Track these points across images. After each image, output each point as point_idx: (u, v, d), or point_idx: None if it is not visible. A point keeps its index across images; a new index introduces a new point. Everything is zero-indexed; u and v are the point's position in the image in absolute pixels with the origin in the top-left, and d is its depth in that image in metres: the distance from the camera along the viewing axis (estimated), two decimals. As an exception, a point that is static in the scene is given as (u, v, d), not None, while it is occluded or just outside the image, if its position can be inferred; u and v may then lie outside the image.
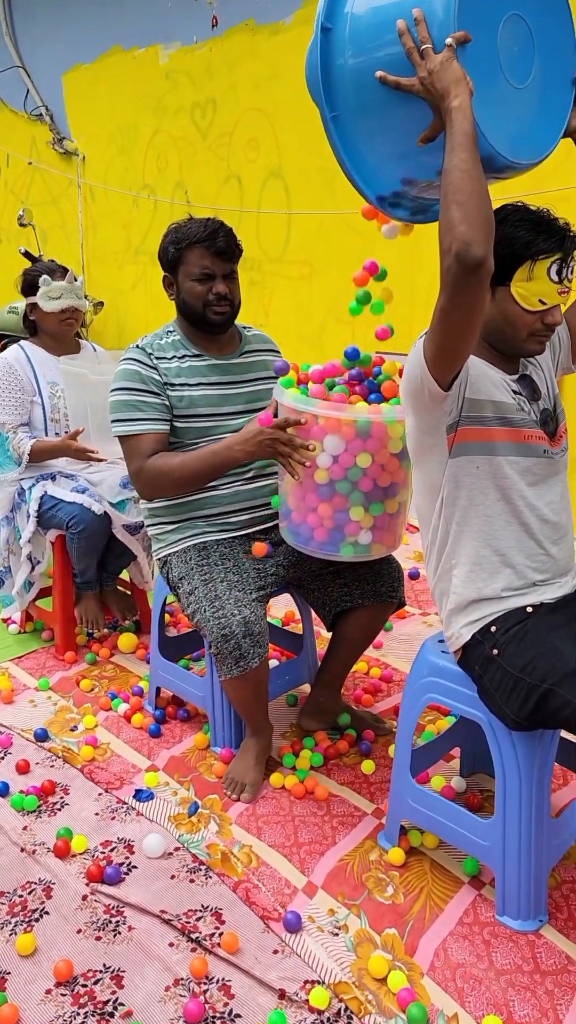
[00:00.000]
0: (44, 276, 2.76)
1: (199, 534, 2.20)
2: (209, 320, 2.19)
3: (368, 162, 1.57)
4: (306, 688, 2.57)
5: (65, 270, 2.85)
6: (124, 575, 3.09)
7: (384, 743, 2.34)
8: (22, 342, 2.89)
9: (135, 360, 2.16)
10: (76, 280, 2.83)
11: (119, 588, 3.08)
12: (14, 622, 3.11)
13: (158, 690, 2.55)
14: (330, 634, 2.35)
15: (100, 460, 2.70)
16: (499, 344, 1.69)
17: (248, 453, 1.99)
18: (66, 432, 2.83)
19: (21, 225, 5.17)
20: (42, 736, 2.41)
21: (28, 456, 2.74)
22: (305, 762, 2.24)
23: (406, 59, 1.38)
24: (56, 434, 2.84)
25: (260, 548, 2.11)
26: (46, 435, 2.83)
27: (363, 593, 2.23)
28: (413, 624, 3.12)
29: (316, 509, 1.97)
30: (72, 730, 2.47)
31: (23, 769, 2.26)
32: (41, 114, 5.93)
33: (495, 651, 1.64)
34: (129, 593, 3.11)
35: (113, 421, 2.13)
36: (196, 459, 2.06)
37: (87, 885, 1.84)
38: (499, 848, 1.68)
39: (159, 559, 2.28)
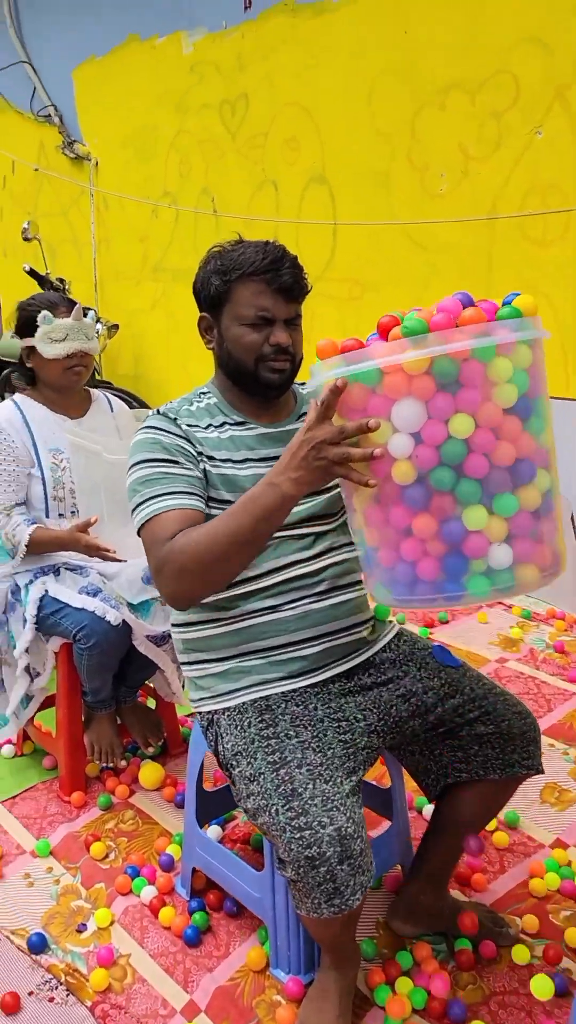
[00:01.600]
0: (44, 312, 2.11)
1: (259, 685, 1.55)
2: (263, 380, 1.55)
3: None
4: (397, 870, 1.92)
5: (71, 303, 2.20)
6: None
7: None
8: (16, 396, 2.23)
9: (155, 428, 1.54)
10: (85, 316, 2.18)
11: (140, 703, 2.42)
12: (10, 742, 2.46)
13: (194, 869, 1.89)
14: (431, 806, 1.69)
15: (117, 560, 2.05)
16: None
17: (297, 481, 1.31)
18: (72, 514, 2.17)
19: (26, 239, 4.55)
20: (38, 945, 1.75)
21: (25, 547, 2.09)
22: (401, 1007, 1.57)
23: None
24: (60, 515, 2.18)
25: None
26: (47, 517, 2.18)
27: (486, 760, 1.58)
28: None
29: (410, 530, 1.25)
30: (79, 931, 1.81)
31: (10, 1009, 1.61)
32: (49, 115, 5.31)
33: None
34: (152, 707, 2.45)
35: (133, 510, 1.49)
36: (229, 515, 1.38)
37: None
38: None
39: (199, 713, 1.63)
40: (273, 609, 1.55)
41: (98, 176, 5.17)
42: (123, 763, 2.32)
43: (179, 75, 4.50)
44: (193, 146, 4.54)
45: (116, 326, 4.88)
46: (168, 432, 1.54)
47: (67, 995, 1.66)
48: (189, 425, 1.56)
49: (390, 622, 1.76)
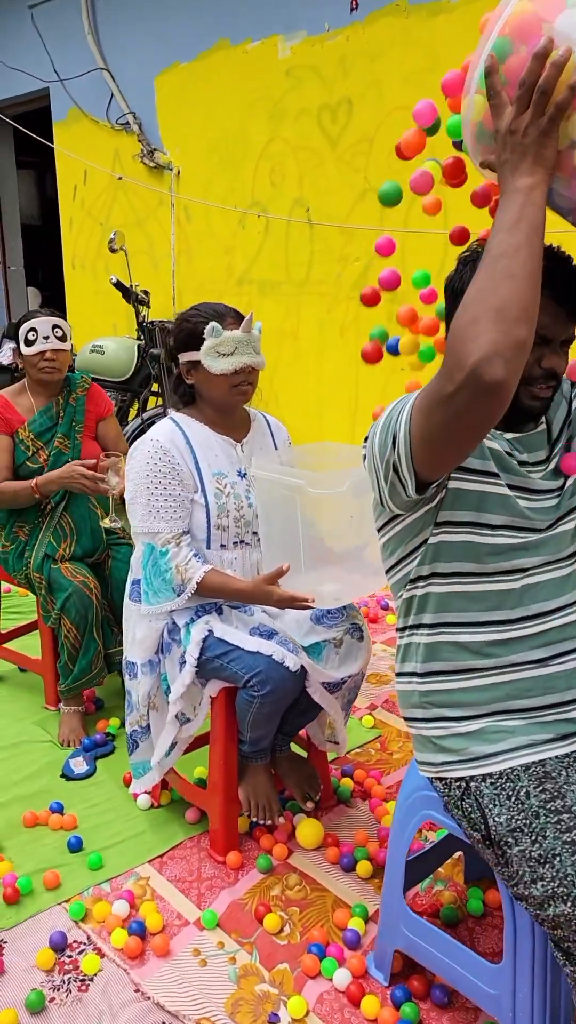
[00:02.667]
0: (212, 324, 1.92)
1: (526, 748, 1.34)
2: (523, 406, 1.35)
3: None
4: None
5: (239, 314, 2.01)
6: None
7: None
8: (174, 415, 2.04)
9: None
10: (254, 329, 1.98)
11: (295, 752, 2.21)
12: (146, 792, 2.25)
13: (395, 953, 1.68)
14: None
15: (309, 608, 1.84)
16: None
17: (523, 169, 1.10)
18: (235, 544, 1.97)
19: (112, 250, 4.38)
20: (231, 1040, 1.54)
21: (196, 586, 1.89)
22: None
23: None
24: (222, 546, 1.98)
25: None
26: (208, 548, 1.97)
27: None
28: None
29: None
30: (273, 1020, 1.60)
31: None
32: (128, 123, 5.16)
33: None
34: (306, 755, 2.24)
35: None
36: (488, 262, 1.11)
37: None
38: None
39: (441, 779, 1.42)
40: (541, 663, 1.35)
41: (179, 186, 5.01)
42: (280, 819, 2.11)
43: (273, 80, 4.33)
44: (287, 154, 4.37)
45: (200, 340, 4.70)
46: None
47: None
48: None
49: None
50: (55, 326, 2.60)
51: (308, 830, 2.07)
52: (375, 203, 4.02)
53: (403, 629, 1.46)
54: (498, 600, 1.36)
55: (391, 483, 1.29)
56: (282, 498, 1.79)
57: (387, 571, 1.48)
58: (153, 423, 4.45)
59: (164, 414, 4.37)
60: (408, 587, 1.42)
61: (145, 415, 4.39)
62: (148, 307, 4.55)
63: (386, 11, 3.79)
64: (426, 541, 1.37)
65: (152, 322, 4.47)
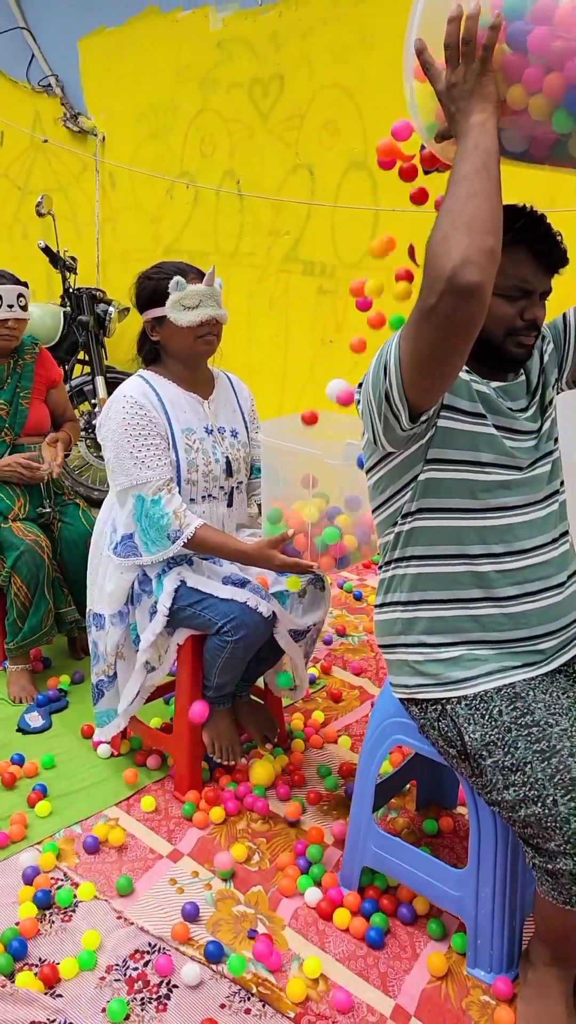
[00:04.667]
0: (176, 279, 1.98)
1: (498, 672, 1.49)
2: (509, 354, 1.49)
3: None
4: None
5: (200, 272, 2.08)
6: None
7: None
8: (142, 372, 2.10)
9: None
10: (215, 283, 2.06)
11: (253, 698, 2.32)
12: (104, 742, 2.32)
13: (365, 873, 1.82)
14: None
15: (312, 572, 1.93)
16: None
17: (464, 109, 1.24)
18: (204, 498, 2.05)
19: (39, 215, 4.32)
20: (215, 955, 1.65)
21: (190, 540, 1.96)
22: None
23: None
24: (191, 500, 2.06)
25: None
26: (180, 498, 2.05)
27: None
28: None
29: None
30: (251, 938, 1.71)
31: (211, 1024, 1.51)
32: (50, 85, 5.08)
33: None
34: (263, 703, 2.35)
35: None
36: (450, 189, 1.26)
37: None
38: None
39: (415, 700, 1.56)
40: (515, 600, 1.50)
41: (104, 152, 4.97)
42: (243, 759, 2.22)
43: (204, 51, 4.36)
44: (217, 125, 4.41)
45: (127, 309, 4.71)
46: None
47: (263, 1006, 1.57)
48: None
49: None
50: (20, 295, 2.60)
51: (261, 770, 2.18)
52: (306, 177, 4.12)
53: (389, 563, 1.59)
54: (482, 535, 1.49)
55: (384, 417, 1.39)
56: (290, 465, 1.87)
57: (375, 509, 1.59)
58: (81, 391, 4.44)
59: (92, 382, 4.37)
60: (398, 522, 1.54)
61: (73, 382, 4.37)
62: (75, 274, 4.52)
63: (319, -11, 3.88)
64: (416, 477, 1.49)
65: (79, 289, 4.44)
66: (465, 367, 1.50)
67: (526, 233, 1.42)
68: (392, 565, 1.58)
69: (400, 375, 1.32)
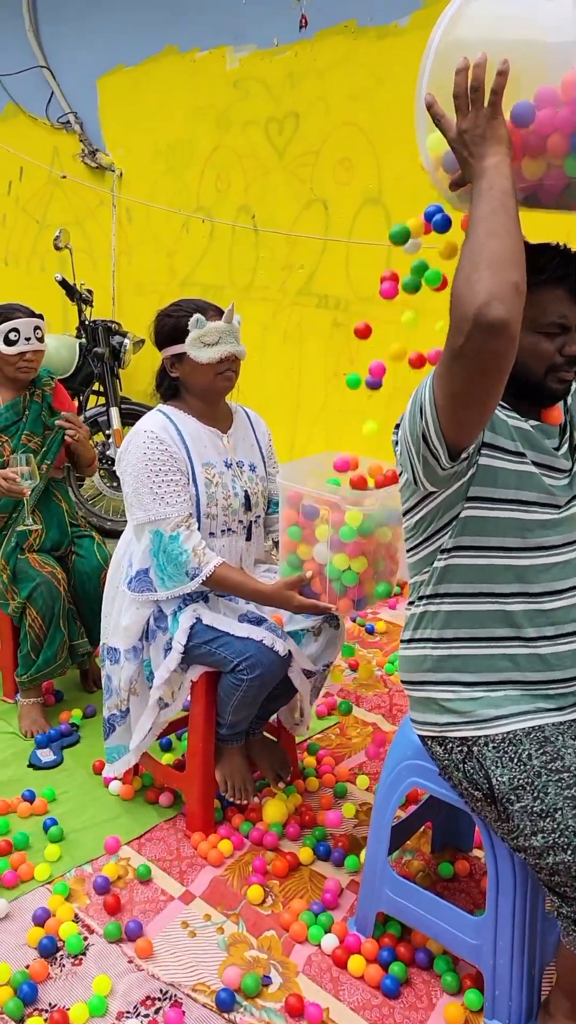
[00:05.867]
0: (196, 316, 2.00)
1: (530, 713, 1.47)
2: (548, 391, 1.48)
3: None
4: None
5: (219, 309, 2.10)
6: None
7: None
8: (162, 407, 2.11)
9: None
10: (233, 319, 2.07)
11: (266, 735, 2.30)
12: (115, 778, 2.30)
13: (379, 918, 1.79)
14: None
15: (330, 613, 1.92)
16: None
17: (479, 152, 1.27)
18: (223, 532, 2.05)
19: (57, 248, 4.38)
20: (228, 1003, 1.62)
21: (208, 578, 1.96)
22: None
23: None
24: (211, 534, 2.05)
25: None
26: (199, 535, 2.04)
27: None
28: None
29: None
30: (265, 985, 1.68)
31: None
32: (68, 122, 5.16)
33: None
34: (276, 740, 2.33)
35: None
36: (469, 232, 1.28)
37: None
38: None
39: (442, 738, 1.54)
40: (551, 641, 1.48)
41: (122, 188, 5.03)
42: (255, 799, 2.19)
43: (221, 90, 4.43)
44: (233, 162, 4.47)
45: (142, 341, 4.75)
46: None
47: (277, 1061, 1.53)
48: None
49: None
50: (36, 327, 2.63)
51: (273, 809, 2.15)
52: (320, 213, 4.16)
53: (421, 598, 1.56)
54: (520, 574, 1.48)
55: (423, 457, 1.39)
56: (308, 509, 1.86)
57: (411, 549, 1.58)
58: (95, 422, 4.46)
59: (106, 413, 4.39)
60: (435, 559, 1.52)
61: (87, 413, 4.40)
62: (91, 306, 4.57)
63: (335, 30, 3.94)
64: (457, 516, 1.48)
65: (95, 321, 4.48)
66: (503, 403, 1.50)
67: (562, 270, 1.42)
68: (424, 601, 1.56)
69: (436, 416, 1.33)
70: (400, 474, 1.53)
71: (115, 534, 2.20)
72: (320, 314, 4.23)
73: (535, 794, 1.37)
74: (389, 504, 1.83)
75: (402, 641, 1.64)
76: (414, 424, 1.38)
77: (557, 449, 1.53)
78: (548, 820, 1.34)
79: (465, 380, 1.25)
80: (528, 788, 1.38)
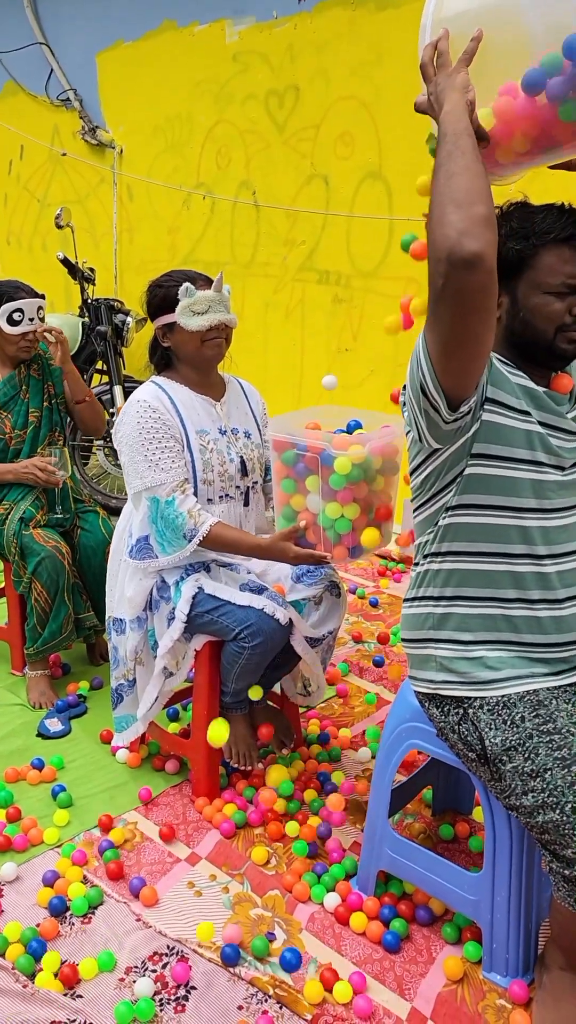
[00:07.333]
0: (186, 285, 2.02)
1: (525, 678, 1.51)
2: (558, 351, 1.49)
3: None
4: None
5: (208, 278, 2.12)
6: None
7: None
8: (155, 378, 2.14)
9: None
10: (223, 289, 2.09)
11: (270, 704, 2.34)
12: (123, 747, 2.34)
13: (380, 877, 1.84)
14: None
15: (326, 563, 1.95)
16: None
17: (440, 95, 1.32)
18: (220, 498, 2.08)
19: (58, 227, 4.38)
20: (232, 957, 1.67)
21: (205, 537, 1.99)
22: None
23: None
24: (208, 500, 2.09)
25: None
26: (194, 498, 2.08)
27: None
28: None
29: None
30: (270, 939, 1.73)
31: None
32: (68, 99, 5.15)
33: None
34: (280, 709, 2.37)
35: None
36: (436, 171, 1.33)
37: None
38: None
39: (437, 695, 1.57)
40: (552, 604, 1.50)
41: (122, 165, 5.03)
42: (259, 765, 2.24)
43: (220, 64, 4.41)
44: (233, 137, 4.46)
45: (145, 319, 4.75)
46: None
47: (280, 1008, 1.58)
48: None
49: None
50: (39, 307, 2.66)
51: (277, 774, 2.19)
52: (321, 188, 4.16)
53: (425, 556, 1.58)
54: (525, 535, 1.49)
55: (425, 411, 1.40)
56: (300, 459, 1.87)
57: (418, 508, 1.59)
58: (99, 400, 4.48)
59: (110, 391, 4.42)
60: (440, 517, 1.54)
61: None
62: (94, 285, 4.58)
63: (334, 2, 3.91)
64: (462, 473, 1.49)
65: (97, 300, 4.49)
66: (514, 366, 1.51)
67: (567, 230, 1.43)
68: (428, 559, 1.58)
69: (431, 364, 1.34)
70: (407, 432, 1.55)
71: (120, 512, 2.24)
72: (321, 290, 4.23)
73: (526, 755, 1.41)
74: (384, 452, 1.85)
75: (405, 600, 1.67)
76: (413, 378, 1.40)
77: (569, 412, 1.54)
78: (538, 780, 1.38)
79: (451, 322, 1.26)
80: (519, 749, 1.42)
